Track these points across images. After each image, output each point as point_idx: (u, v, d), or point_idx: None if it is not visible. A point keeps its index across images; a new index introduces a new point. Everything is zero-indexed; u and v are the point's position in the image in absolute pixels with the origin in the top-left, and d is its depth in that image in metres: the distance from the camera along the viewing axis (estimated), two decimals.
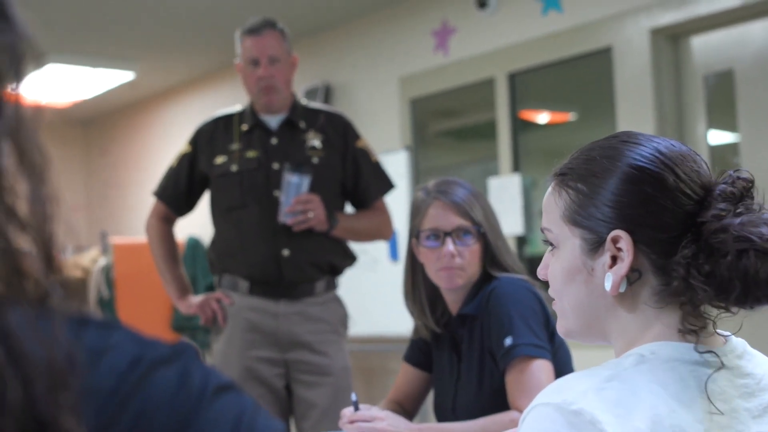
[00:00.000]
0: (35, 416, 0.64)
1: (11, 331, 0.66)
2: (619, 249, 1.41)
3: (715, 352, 1.37)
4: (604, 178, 1.44)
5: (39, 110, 0.73)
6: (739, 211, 1.37)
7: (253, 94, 3.95)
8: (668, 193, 1.40)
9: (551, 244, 1.53)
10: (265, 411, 0.76)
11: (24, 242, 0.69)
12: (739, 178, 1.41)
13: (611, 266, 1.42)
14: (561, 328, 1.54)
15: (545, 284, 1.58)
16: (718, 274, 1.33)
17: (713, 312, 1.41)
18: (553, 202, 1.52)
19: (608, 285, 1.42)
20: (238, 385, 0.76)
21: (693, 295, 1.36)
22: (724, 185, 1.40)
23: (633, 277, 1.41)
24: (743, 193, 1.39)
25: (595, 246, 1.44)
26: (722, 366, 1.36)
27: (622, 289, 1.42)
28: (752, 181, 1.42)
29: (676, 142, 1.47)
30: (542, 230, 1.55)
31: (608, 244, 1.42)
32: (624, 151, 1.45)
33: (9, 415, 0.64)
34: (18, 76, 0.72)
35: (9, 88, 0.71)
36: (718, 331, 1.43)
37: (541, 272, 1.58)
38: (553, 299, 1.55)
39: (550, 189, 1.54)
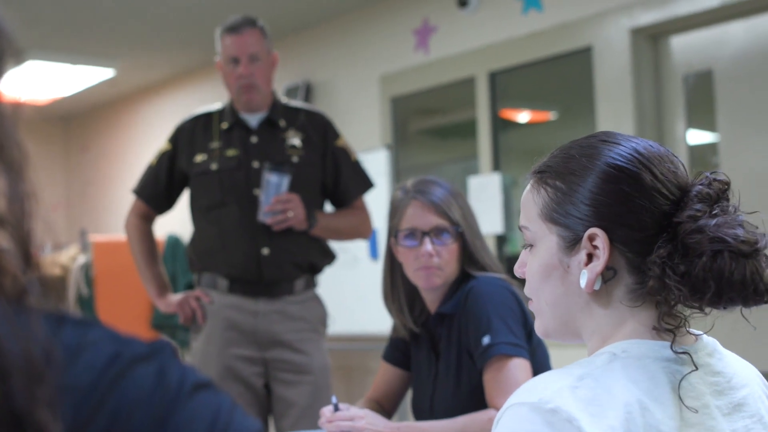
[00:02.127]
0: (12, 410, 0.65)
1: None
2: (595, 247, 1.42)
3: (689, 353, 1.38)
4: (583, 176, 1.45)
5: (18, 106, 0.73)
6: (715, 212, 1.38)
7: (233, 92, 3.95)
8: (645, 192, 1.41)
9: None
10: (241, 409, 0.77)
11: (1, 239, 0.70)
12: (715, 180, 1.42)
13: (587, 264, 1.43)
14: (539, 327, 1.55)
15: (523, 283, 1.58)
16: (693, 275, 1.35)
17: (686, 311, 1.42)
18: (531, 200, 1.52)
19: (583, 282, 1.43)
20: (215, 384, 0.77)
21: (668, 295, 1.37)
22: (700, 186, 1.41)
23: (608, 275, 1.42)
24: (719, 194, 1.41)
25: (571, 243, 1.45)
26: (695, 368, 1.38)
27: (596, 287, 1.43)
28: (728, 183, 1.43)
29: (654, 143, 1.48)
30: (520, 228, 1.56)
31: (584, 241, 1.43)
32: (603, 149, 1.46)
33: None
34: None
35: None
36: (690, 329, 1.45)
37: (518, 270, 1.58)
38: (530, 299, 1.55)
39: (528, 186, 1.55)
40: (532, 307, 1.55)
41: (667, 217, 1.40)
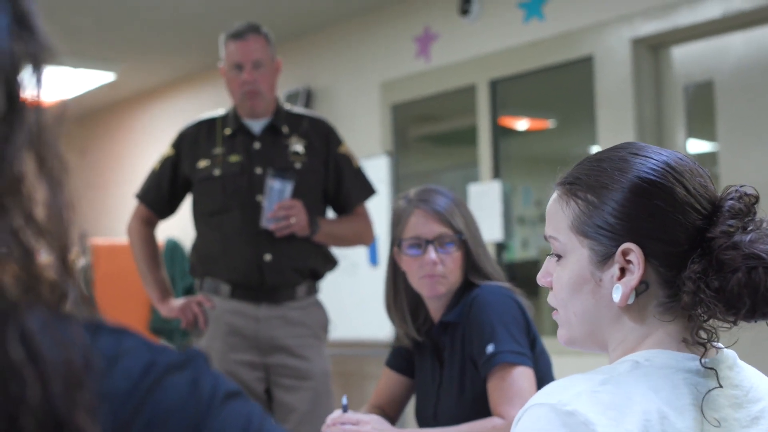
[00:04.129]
0: (53, 415, 0.66)
1: (30, 333, 0.67)
2: (629, 261, 1.42)
3: (715, 369, 1.40)
4: (615, 190, 1.45)
5: (60, 117, 0.74)
6: (749, 228, 1.39)
7: (236, 98, 3.96)
8: (678, 207, 1.42)
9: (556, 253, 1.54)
10: (271, 418, 0.78)
11: (41, 248, 0.71)
12: (745, 194, 1.44)
13: (620, 278, 1.43)
14: (563, 336, 1.55)
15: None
16: (728, 290, 1.36)
17: (713, 324, 1.43)
18: (560, 211, 1.52)
19: (617, 296, 1.43)
20: (245, 393, 0.78)
21: (702, 309, 1.39)
22: (731, 201, 1.42)
23: (640, 288, 1.43)
24: (749, 209, 1.42)
25: (604, 257, 1.45)
26: (720, 386, 1.39)
27: (630, 301, 1.43)
28: (757, 198, 1.44)
29: (683, 156, 1.49)
30: (546, 238, 1.56)
31: (618, 256, 1.43)
32: (634, 163, 1.46)
33: (28, 413, 0.66)
34: (40, 83, 0.74)
35: (31, 96, 0.73)
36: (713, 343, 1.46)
37: (541, 280, 1.58)
38: (555, 309, 1.55)
39: (555, 197, 1.54)
40: (556, 317, 1.55)
41: (700, 231, 1.41)
